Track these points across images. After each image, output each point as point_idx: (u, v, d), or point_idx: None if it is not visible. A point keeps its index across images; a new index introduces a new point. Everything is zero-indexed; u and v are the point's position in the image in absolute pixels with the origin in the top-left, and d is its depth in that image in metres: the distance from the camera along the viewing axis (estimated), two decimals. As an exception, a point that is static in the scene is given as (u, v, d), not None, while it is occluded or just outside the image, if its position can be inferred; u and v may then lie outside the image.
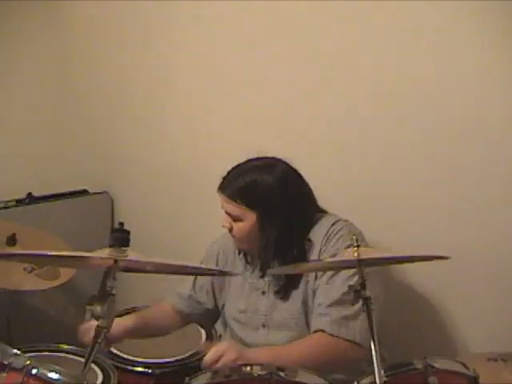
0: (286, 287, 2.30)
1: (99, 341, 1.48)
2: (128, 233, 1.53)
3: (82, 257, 1.51)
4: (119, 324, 2.43)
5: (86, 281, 3.24)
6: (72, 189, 3.67)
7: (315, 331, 2.16)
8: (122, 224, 1.54)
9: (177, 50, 3.31)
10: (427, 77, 2.43)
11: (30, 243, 2.93)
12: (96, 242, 3.29)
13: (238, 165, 2.37)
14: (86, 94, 3.79)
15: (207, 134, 3.23)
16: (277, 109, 2.93)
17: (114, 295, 1.49)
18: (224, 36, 3.05)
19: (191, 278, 2.58)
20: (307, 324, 2.23)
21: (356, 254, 1.56)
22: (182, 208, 3.38)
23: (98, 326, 1.48)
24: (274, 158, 2.36)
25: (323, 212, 2.40)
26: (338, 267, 1.83)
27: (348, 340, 2.09)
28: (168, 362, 2.51)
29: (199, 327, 2.85)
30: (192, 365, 2.54)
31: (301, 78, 2.81)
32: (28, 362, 1.77)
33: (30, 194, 3.52)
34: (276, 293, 2.32)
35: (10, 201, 3.43)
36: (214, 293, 2.54)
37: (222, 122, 3.16)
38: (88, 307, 1.49)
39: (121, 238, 1.52)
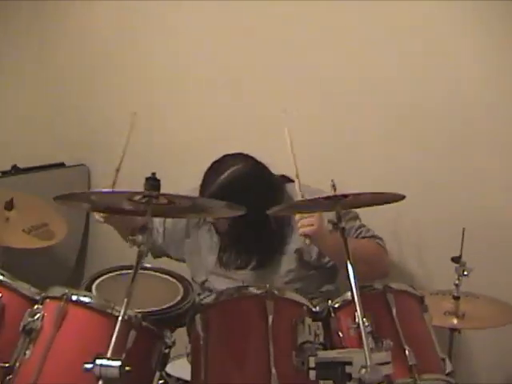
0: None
1: (142, 261, 1.96)
2: (159, 181, 2.01)
3: (125, 192, 1.97)
4: None
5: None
6: (53, 161, 4.04)
7: None
8: (154, 173, 2.01)
9: (165, 27, 3.66)
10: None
11: (25, 208, 3.37)
12: (74, 211, 3.75)
13: (211, 171, 2.70)
14: (65, 68, 4.08)
15: (184, 109, 3.64)
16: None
17: (149, 228, 1.98)
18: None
19: (159, 222, 2.98)
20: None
21: (333, 192, 2.05)
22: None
23: (139, 252, 1.96)
24: (240, 156, 2.71)
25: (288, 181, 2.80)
26: (318, 206, 2.25)
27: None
28: (152, 312, 2.99)
29: (177, 282, 3.34)
30: (172, 314, 3.04)
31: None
32: (67, 291, 2.19)
33: (14, 165, 3.94)
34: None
35: (-6, 172, 3.80)
36: (181, 244, 2.98)
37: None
38: (130, 237, 1.98)
39: (153, 184, 1.99)
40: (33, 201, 3.42)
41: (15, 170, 3.91)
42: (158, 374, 2.27)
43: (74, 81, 4.09)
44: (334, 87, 3.18)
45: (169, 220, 2.98)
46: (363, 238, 2.74)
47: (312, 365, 1.89)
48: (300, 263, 2.77)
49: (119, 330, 1.91)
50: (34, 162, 4.01)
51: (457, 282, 2.63)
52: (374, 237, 2.79)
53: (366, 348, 1.85)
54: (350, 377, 1.81)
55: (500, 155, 2.91)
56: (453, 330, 2.65)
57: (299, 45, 3.24)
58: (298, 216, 2.50)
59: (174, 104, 3.70)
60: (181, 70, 3.64)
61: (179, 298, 3.10)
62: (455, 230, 2.64)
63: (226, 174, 2.65)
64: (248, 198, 2.36)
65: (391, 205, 2.25)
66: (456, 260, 2.61)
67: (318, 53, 3.20)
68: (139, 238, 1.95)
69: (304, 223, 2.47)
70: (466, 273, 2.61)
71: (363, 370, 1.79)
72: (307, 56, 3.23)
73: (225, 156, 2.72)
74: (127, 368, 1.78)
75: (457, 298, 2.63)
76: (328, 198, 2.06)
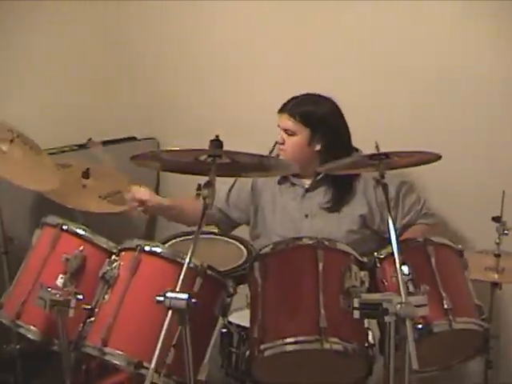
0: (335, 203, 3.08)
1: (207, 211, 2.27)
2: (222, 142, 2.32)
3: (192, 150, 2.28)
4: (156, 199, 3.17)
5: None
6: (125, 135, 4.40)
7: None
8: (217, 136, 2.32)
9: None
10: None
11: (100, 177, 3.74)
12: (145, 180, 4.07)
13: (298, 95, 3.06)
14: (135, 44, 4.38)
15: (253, 86, 3.92)
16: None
17: (213, 184, 2.27)
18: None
19: (224, 191, 3.33)
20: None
21: (377, 151, 2.33)
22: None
23: (204, 203, 2.27)
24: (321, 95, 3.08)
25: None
26: (364, 164, 2.50)
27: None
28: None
29: (241, 245, 3.64)
30: (237, 274, 3.34)
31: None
32: (140, 242, 2.52)
33: (90, 139, 4.31)
34: (326, 209, 3.08)
35: (73, 145, 4.16)
36: (247, 211, 3.30)
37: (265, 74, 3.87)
38: (197, 191, 2.29)
39: (217, 144, 2.31)
40: (107, 171, 3.75)
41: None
42: (220, 319, 2.55)
43: (147, 60, 4.40)
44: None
45: (233, 193, 3.33)
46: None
47: (356, 305, 2.15)
48: (362, 227, 3.09)
49: (187, 275, 2.22)
50: (107, 136, 4.33)
51: (497, 240, 2.88)
52: (424, 215, 3.13)
53: (401, 287, 2.13)
54: (387, 311, 2.08)
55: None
56: (494, 284, 2.90)
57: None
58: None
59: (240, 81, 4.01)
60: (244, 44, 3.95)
61: (244, 259, 3.42)
62: (495, 192, 2.87)
63: (310, 95, 3.10)
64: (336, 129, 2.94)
65: (435, 169, 2.53)
66: (497, 220, 2.86)
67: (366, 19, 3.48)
68: (204, 192, 2.26)
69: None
70: (506, 231, 2.85)
71: (398, 306, 2.07)
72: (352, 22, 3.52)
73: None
74: (194, 300, 2.09)
75: (497, 256, 2.89)
76: (372, 156, 2.34)
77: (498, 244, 2.88)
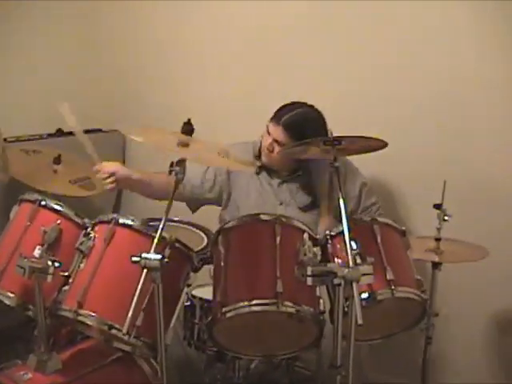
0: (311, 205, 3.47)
1: (179, 186, 2.59)
2: (192, 126, 2.64)
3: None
4: (125, 170, 3.50)
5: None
6: (92, 127, 4.70)
7: None
8: (189, 119, 2.64)
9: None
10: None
11: (70, 163, 4.01)
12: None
13: (288, 104, 3.40)
14: (105, 45, 4.79)
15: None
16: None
17: (185, 161, 2.61)
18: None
19: (200, 173, 3.64)
20: None
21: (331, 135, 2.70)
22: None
23: (176, 179, 2.60)
24: (310, 105, 3.42)
25: None
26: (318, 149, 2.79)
27: None
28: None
29: (201, 232, 3.96)
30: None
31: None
32: (114, 215, 2.80)
33: (59, 129, 4.62)
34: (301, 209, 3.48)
35: (43, 134, 4.49)
36: (220, 194, 3.63)
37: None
38: (170, 168, 2.61)
39: (189, 129, 2.63)
40: (77, 158, 4.02)
41: (60, 133, 4.61)
42: (185, 289, 2.85)
43: (113, 59, 4.81)
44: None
45: (209, 175, 3.67)
46: None
47: (309, 273, 2.47)
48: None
49: (157, 245, 2.52)
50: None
51: (438, 226, 3.25)
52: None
53: (349, 256, 2.47)
54: (336, 275, 2.43)
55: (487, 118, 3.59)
56: (434, 265, 3.26)
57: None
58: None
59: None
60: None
61: (204, 244, 3.74)
62: (438, 182, 3.24)
63: (303, 109, 3.42)
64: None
65: (380, 158, 2.88)
66: (437, 207, 3.23)
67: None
68: (176, 168, 2.59)
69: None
70: (446, 218, 3.22)
71: (346, 270, 2.42)
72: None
73: (294, 102, 3.44)
74: (166, 260, 2.41)
75: (438, 240, 3.26)
76: (325, 140, 2.69)
77: (438, 229, 3.25)
